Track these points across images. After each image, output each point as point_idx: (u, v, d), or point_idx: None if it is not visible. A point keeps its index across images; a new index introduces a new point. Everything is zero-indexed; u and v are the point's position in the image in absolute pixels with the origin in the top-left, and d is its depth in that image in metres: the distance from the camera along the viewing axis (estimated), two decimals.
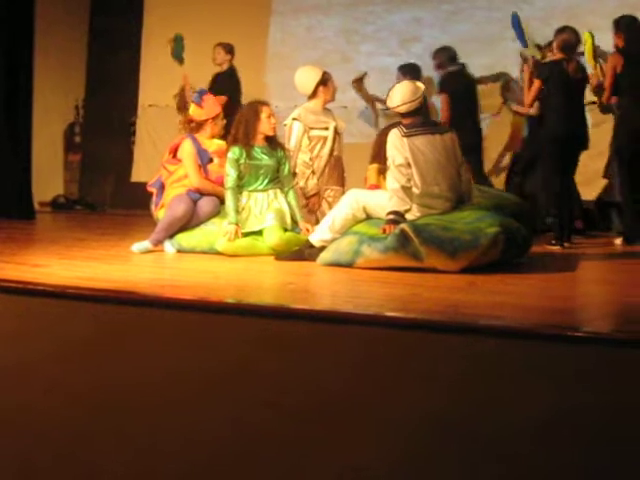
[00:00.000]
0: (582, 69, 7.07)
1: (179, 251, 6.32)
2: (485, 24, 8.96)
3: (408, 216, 5.55)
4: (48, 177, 10.97)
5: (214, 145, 6.65)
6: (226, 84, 8.68)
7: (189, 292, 4.50)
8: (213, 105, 6.73)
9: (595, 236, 7.59)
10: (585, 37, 7.16)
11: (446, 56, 8.26)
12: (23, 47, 9.16)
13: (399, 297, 4.53)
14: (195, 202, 6.42)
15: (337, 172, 6.92)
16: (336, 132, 6.89)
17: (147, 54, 10.96)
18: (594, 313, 4.17)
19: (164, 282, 5.14)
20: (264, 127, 6.32)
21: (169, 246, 6.35)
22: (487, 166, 8.50)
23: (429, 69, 8.34)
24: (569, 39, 6.99)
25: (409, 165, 5.61)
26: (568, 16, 7.60)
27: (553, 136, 6.96)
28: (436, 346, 3.45)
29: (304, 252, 5.87)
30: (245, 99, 6.57)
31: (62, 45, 11.04)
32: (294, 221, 6.34)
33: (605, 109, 7.41)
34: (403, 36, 8.64)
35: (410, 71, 8.56)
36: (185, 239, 6.36)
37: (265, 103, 6.44)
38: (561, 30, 7.06)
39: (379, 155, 6.05)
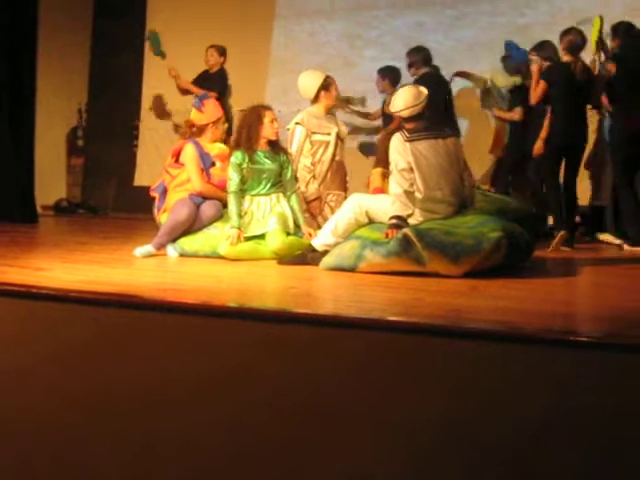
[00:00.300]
0: (588, 70, 7.10)
1: (182, 255, 6.32)
2: (489, 29, 8.95)
3: (411, 221, 5.56)
4: (51, 181, 10.97)
5: (216, 149, 6.65)
6: (215, 85, 8.73)
7: (191, 296, 4.50)
8: (214, 109, 6.72)
9: (592, 240, 7.59)
10: (594, 20, 7.20)
11: (419, 57, 8.22)
12: (26, 50, 9.17)
13: (401, 301, 4.53)
14: (198, 206, 6.42)
15: (339, 177, 6.92)
16: (338, 137, 6.89)
17: (150, 58, 10.95)
18: (596, 318, 4.17)
19: (166, 286, 5.14)
20: (267, 131, 6.33)
21: (171, 250, 6.35)
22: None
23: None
24: (575, 40, 7.03)
25: (412, 170, 5.61)
26: (572, 21, 7.59)
27: (556, 141, 7.00)
28: (438, 350, 3.45)
29: (307, 256, 5.87)
30: (248, 103, 6.55)
31: (65, 49, 11.04)
32: (297, 225, 6.34)
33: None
34: (406, 41, 8.62)
35: (389, 73, 8.58)
36: (188, 243, 6.35)
37: (268, 108, 6.44)
38: (567, 32, 7.11)
39: (383, 159, 6.06)
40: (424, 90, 5.88)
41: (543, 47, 7.45)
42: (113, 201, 11.35)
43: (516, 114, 7.89)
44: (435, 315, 4.01)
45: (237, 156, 6.29)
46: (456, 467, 3.20)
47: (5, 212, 8.92)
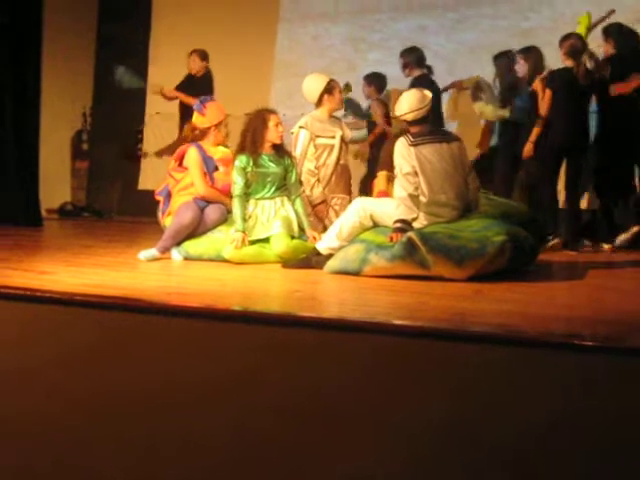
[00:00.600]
0: (590, 74, 7.13)
1: (186, 258, 6.33)
2: (490, 32, 8.95)
3: (415, 224, 5.56)
4: (55, 184, 10.98)
5: (219, 153, 6.65)
6: (201, 89, 8.78)
7: (196, 299, 4.50)
8: (216, 111, 6.71)
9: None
10: (581, 18, 7.29)
11: (413, 58, 8.21)
12: (31, 54, 9.18)
13: (406, 305, 4.53)
14: (202, 210, 6.43)
15: (344, 180, 6.92)
16: (342, 141, 6.89)
17: (155, 61, 10.98)
18: (600, 321, 4.16)
19: (171, 289, 5.15)
20: (272, 135, 6.33)
21: (176, 254, 6.36)
22: None
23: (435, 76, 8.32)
24: (576, 44, 7.09)
25: (416, 174, 5.62)
26: (574, 26, 7.60)
27: (559, 145, 7.03)
28: (442, 354, 3.45)
29: (311, 260, 5.87)
30: (252, 107, 6.56)
31: (70, 52, 11.06)
32: (301, 229, 6.34)
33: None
34: (409, 44, 8.61)
35: (375, 80, 8.59)
36: (192, 247, 6.36)
37: (273, 111, 6.45)
38: (566, 37, 7.17)
39: (388, 162, 6.06)
40: (428, 94, 5.89)
41: (529, 51, 7.55)
42: (118, 204, 11.37)
43: (508, 112, 7.85)
44: (439, 319, 4.01)
45: (241, 160, 6.29)
46: (458, 470, 3.20)
47: (9, 215, 8.93)
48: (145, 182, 10.77)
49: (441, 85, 8.31)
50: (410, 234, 5.24)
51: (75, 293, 4.46)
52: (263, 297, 5.08)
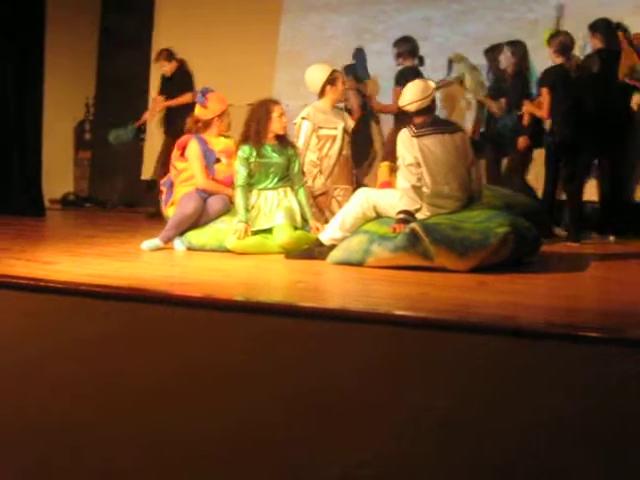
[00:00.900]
0: (581, 69, 7.24)
1: (189, 249, 6.34)
2: (496, 24, 8.92)
3: (418, 215, 5.56)
4: (58, 174, 10.99)
5: (221, 144, 6.65)
6: (180, 86, 8.86)
7: (198, 290, 4.51)
8: (218, 102, 6.70)
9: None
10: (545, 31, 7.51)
11: (407, 48, 8.26)
12: (34, 45, 9.19)
13: (409, 296, 4.53)
14: (205, 200, 6.43)
15: (346, 171, 6.91)
16: (345, 132, 6.88)
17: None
18: (603, 313, 4.17)
19: (174, 280, 5.15)
20: (275, 126, 6.33)
21: (179, 244, 6.37)
22: None
23: (431, 69, 8.31)
24: (565, 40, 7.25)
25: (419, 165, 5.61)
26: (578, 17, 7.60)
27: (559, 141, 7.07)
28: (446, 345, 3.46)
29: (314, 250, 5.87)
30: (256, 98, 6.56)
31: (73, 43, 11.06)
32: (304, 219, 6.34)
33: None
34: (413, 35, 8.58)
35: (352, 71, 8.63)
36: (195, 237, 6.36)
37: (276, 102, 6.44)
38: (555, 35, 7.32)
39: (391, 153, 6.06)
40: (432, 84, 5.88)
41: (515, 45, 7.75)
42: (120, 195, 11.36)
43: (499, 108, 7.86)
44: (442, 310, 4.01)
45: (244, 150, 6.29)
46: (462, 462, 3.20)
47: (13, 205, 8.94)
48: (148, 172, 10.75)
49: (437, 77, 8.31)
50: (413, 225, 5.24)
51: (78, 283, 4.48)
52: (266, 288, 5.08)
